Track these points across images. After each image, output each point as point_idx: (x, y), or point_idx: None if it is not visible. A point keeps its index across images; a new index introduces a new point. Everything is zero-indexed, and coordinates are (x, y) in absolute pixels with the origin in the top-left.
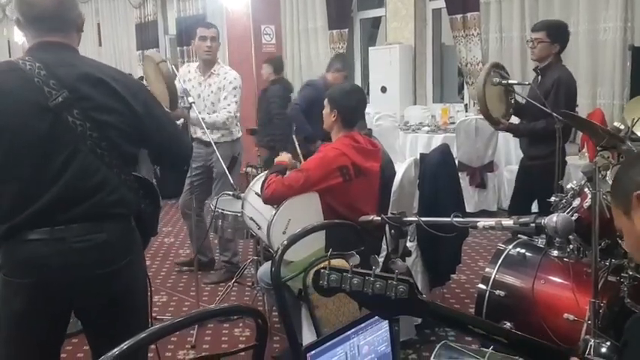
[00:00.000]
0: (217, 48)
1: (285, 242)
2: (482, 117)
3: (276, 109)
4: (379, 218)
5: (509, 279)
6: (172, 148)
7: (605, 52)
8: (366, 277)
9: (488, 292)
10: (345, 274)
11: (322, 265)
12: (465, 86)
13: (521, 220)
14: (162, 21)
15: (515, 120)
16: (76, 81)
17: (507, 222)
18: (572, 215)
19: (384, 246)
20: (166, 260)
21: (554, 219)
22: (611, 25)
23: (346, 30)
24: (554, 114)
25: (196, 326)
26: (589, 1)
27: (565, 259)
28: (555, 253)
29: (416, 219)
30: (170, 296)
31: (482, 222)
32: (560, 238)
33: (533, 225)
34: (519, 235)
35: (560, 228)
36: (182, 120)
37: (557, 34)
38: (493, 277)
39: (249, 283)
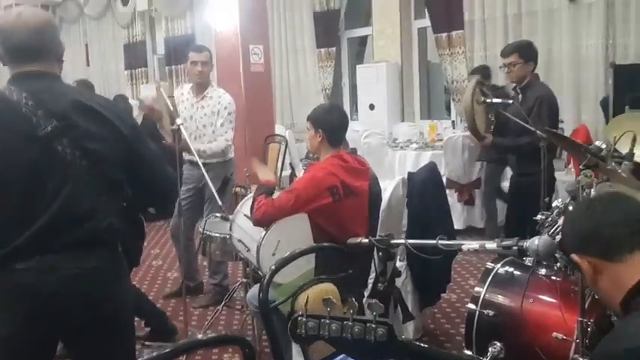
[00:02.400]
0: (210, 71)
1: (273, 267)
2: (469, 133)
3: None
4: (367, 241)
5: (498, 298)
6: (157, 178)
7: (588, 69)
8: (345, 322)
9: (477, 312)
10: (322, 320)
11: (300, 310)
12: (452, 103)
13: (504, 243)
14: (150, 41)
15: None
16: (64, 110)
17: (491, 245)
18: (558, 233)
19: (373, 267)
20: (154, 283)
21: (535, 242)
22: (593, 43)
23: (334, 48)
24: (538, 131)
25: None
26: (571, 19)
27: (553, 278)
28: (543, 271)
29: (403, 241)
30: (156, 349)
31: (467, 245)
32: (543, 260)
33: (515, 248)
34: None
35: (541, 251)
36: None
37: (528, 53)
38: (482, 296)
39: (239, 307)
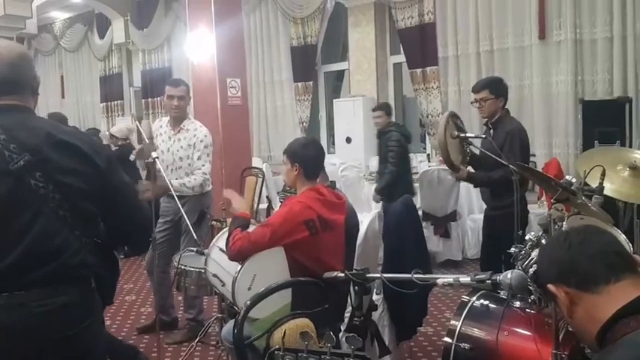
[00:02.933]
0: (187, 105)
1: (249, 302)
2: (444, 167)
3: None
4: (343, 275)
5: (474, 331)
6: (134, 212)
7: (559, 104)
8: (322, 356)
9: (454, 346)
10: (300, 354)
11: (277, 343)
12: (427, 137)
13: (477, 277)
14: (127, 73)
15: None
16: (37, 143)
17: (465, 279)
18: (530, 266)
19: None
20: (127, 319)
21: (508, 276)
22: (563, 79)
23: (311, 82)
24: (511, 165)
25: None
26: (541, 56)
27: (527, 310)
28: (518, 304)
29: (379, 275)
30: None
31: (442, 279)
32: (516, 294)
33: (489, 282)
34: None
35: (514, 284)
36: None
37: (498, 88)
38: (458, 329)
39: (213, 342)
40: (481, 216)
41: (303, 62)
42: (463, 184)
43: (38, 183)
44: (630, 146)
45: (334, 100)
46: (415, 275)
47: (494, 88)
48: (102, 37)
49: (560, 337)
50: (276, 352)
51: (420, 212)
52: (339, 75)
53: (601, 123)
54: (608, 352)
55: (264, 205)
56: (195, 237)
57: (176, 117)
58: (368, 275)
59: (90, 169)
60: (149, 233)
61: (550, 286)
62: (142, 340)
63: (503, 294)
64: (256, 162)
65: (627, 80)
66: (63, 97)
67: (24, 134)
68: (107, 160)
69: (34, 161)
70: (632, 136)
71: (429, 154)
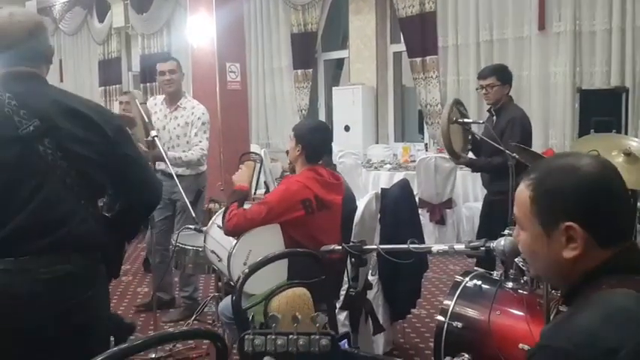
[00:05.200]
0: (180, 79)
1: (247, 271)
2: (441, 155)
3: None
4: (340, 247)
5: (467, 311)
6: (143, 180)
7: (556, 94)
8: (289, 336)
9: (446, 324)
10: (268, 336)
11: (274, 311)
12: (425, 126)
13: (472, 244)
14: (125, 58)
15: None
16: (47, 110)
17: (459, 246)
18: None
19: (345, 279)
20: (124, 299)
21: (502, 242)
22: (561, 70)
23: (310, 70)
24: (507, 151)
25: None
26: (540, 47)
27: (519, 291)
28: (510, 285)
29: (375, 247)
30: (128, 340)
31: (436, 247)
32: (507, 260)
33: (483, 248)
34: (476, 268)
35: (507, 250)
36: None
37: (505, 76)
38: (451, 308)
39: (210, 321)
40: (477, 204)
41: (303, 50)
42: (459, 173)
43: (47, 149)
44: (626, 134)
45: (333, 88)
46: (412, 245)
47: (501, 74)
48: (101, 20)
49: (552, 317)
50: (246, 337)
51: (416, 199)
52: (339, 63)
53: (597, 112)
54: (577, 311)
55: (261, 191)
56: (193, 214)
57: (171, 93)
58: (365, 247)
59: (99, 139)
60: (157, 204)
61: (570, 224)
62: (139, 318)
63: (495, 275)
64: (254, 149)
65: (625, 72)
66: (61, 80)
67: (35, 101)
68: (117, 129)
69: (44, 128)
70: (628, 125)
71: (426, 144)
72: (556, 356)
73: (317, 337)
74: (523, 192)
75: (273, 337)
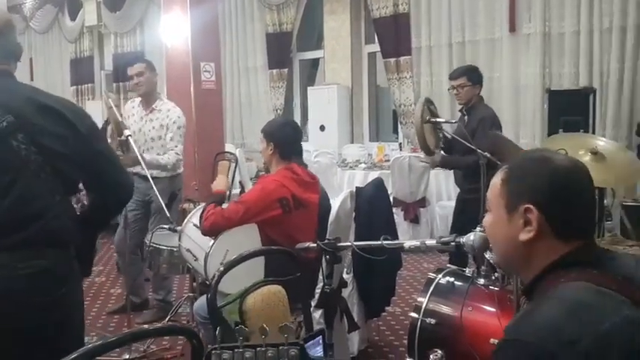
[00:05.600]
0: (150, 80)
1: (222, 269)
2: (415, 154)
3: None
4: (315, 245)
5: (440, 307)
6: (115, 177)
7: (526, 95)
8: (258, 349)
9: (420, 321)
10: (236, 350)
11: (250, 308)
12: (399, 126)
13: (442, 239)
14: (98, 56)
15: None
16: (21, 107)
17: (431, 242)
18: None
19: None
20: (97, 300)
21: (471, 237)
22: (531, 71)
23: (286, 70)
24: (479, 150)
25: None
26: (511, 49)
27: (491, 287)
28: (482, 281)
29: (349, 244)
30: (101, 338)
31: (409, 243)
32: (477, 255)
33: (453, 243)
34: (449, 265)
35: (476, 245)
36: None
37: (475, 76)
38: (424, 305)
39: (185, 322)
40: (450, 202)
41: (278, 49)
42: (433, 172)
43: (20, 145)
44: (594, 134)
45: (309, 88)
46: (385, 241)
47: (472, 75)
48: (73, 19)
49: None
50: (213, 352)
51: (391, 198)
52: (314, 63)
53: (566, 112)
54: (538, 304)
55: (236, 191)
56: (168, 214)
57: (143, 95)
58: (339, 244)
59: (72, 136)
60: (127, 202)
61: (529, 206)
62: (112, 319)
63: (468, 272)
64: (229, 148)
65: (592, 73)
66: (32, 79)
67: (8, 97)
68: (89, 126)
69: (18, 123)
70: (596, 125)
71: (400, 143)
72: (520, 350)
73: (285, 347)
74: (497, 176)
75: (241, 350)
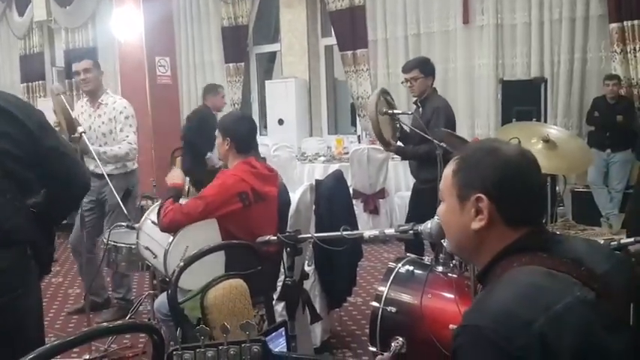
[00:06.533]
0: (97, 77)
1: (182, 264)
2: (374, 147)
3: None
4: (275, 238)
5: (400, 295)
6: (70, 172)
7: (480, 85)
8: (220, 347)
9: (381, 310)
10: (198, 350)
11: (211, 303)
12: (357, 118)
13: (401, 228)
14: (49, 53)
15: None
16: None
17: (389, 230)
18: None
19: (282, 270)
20: (54, 301)
21: (428, 225)
22: (485, 62)
23: (242, 64)
24: (435, 140)
25: None
26: (465, 40)
27: (449, 275)
28: (440, 269)
29: (310, 235)
30: (59, 338)
31: (368, 232)
32: (435, 242)
33: (411, 232)
34: (408, 254)
35: (434, 233)
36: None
37: (427, 68)
38: (385, 294)
39: (146, 319)
40: (408, 193)
41: (234, 43)
42: (391, 163)
43: None
44: (545, 122)
45: (266, 82)
46: (344, 232)
47: (424, 67)
48: (21, 14)
49: None
50: (174, 353)
51: (350, 190)
52: (271, 56)
53: (519, 102)
54: (492, 289)
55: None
56: (125, 211)
57: (89, 92)
58: (299, 236)
59: (21, 133)
60: (85, 193)
61: (480, 195)
62: (71, 320)
63: (427, 260)
64: None
65: (544, 64)
66: None
67: None
68: (39, 124)
69: None
70: (547, 113)
71: (359, 136)
72: (478, 334)
73: (248, 344)
74: (449, 167)
75: (203, 349)
